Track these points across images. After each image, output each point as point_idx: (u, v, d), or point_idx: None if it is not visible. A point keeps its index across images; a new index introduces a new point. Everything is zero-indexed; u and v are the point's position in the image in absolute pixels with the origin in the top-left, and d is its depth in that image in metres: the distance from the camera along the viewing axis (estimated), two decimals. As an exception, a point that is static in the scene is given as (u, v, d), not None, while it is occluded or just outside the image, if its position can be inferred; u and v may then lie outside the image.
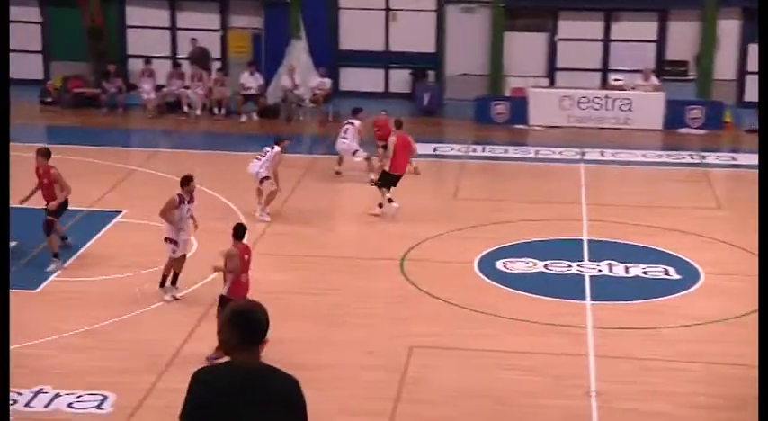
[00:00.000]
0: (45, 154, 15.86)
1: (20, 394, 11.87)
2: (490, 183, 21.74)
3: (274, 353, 12.98)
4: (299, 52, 26.73)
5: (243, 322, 5.49)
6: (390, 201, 18.34)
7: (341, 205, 20.08)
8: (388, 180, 18.43)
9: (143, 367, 12.68)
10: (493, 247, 16.91)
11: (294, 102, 25.66)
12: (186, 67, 26.04)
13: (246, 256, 12.97)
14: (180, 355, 13.08)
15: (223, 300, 12.70)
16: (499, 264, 16.25)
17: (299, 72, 26.09)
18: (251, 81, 25.66)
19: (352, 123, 20.57)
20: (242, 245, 13.00)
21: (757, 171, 11.68)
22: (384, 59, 27.67)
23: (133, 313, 14.15)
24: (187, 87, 25.50)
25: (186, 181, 14.63)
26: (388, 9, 27.42)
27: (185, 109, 25.23)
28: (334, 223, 18.40)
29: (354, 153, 20.36)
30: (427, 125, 25.77)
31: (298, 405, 5.56)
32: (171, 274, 14.61)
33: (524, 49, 27.27)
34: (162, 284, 14.58)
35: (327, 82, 25.84)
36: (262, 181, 17.98)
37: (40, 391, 11.96)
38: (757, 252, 11.76)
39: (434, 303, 14.90)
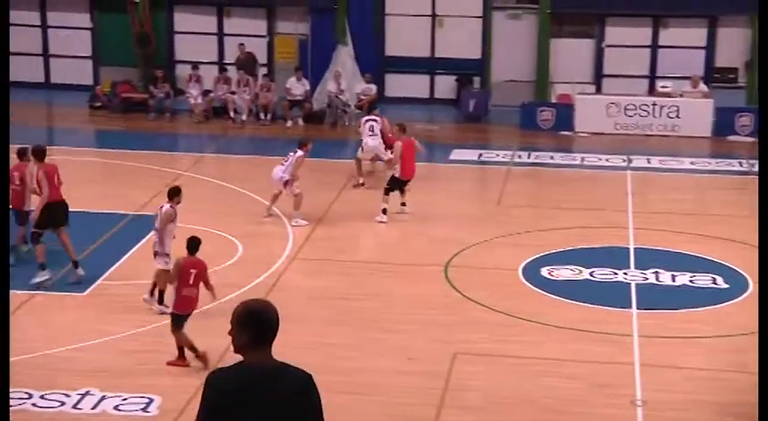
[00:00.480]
0: (37, 153, 15.21)
1: (67, 396, 12.02)
2: (535, 190, 21.65)
3: (318, 356, 13.11)
4: (344, 58, 26.81)
5: (254, 322, 5.51)
6: (403, 204, 18.60)
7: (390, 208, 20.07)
8: (397, 185, 18.46)
9: (188, 370, 12.77)
10: (538, 254, 16.84)
11: (339, 107, 25.73)
12: (233, 72, 26.21)
13: (193, 271, 12.66)
14: (224, 359, 13.16)
15: (172, 316, 12.86)
16: (544, 271, 16.17)
17: (345, 78, 26.16)
18: (297, 87, 25.74)
19: (376, 120, 20.56)
20: (191, 259, 12.77)
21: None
22: (429, 65, 27.67)
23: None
24: (233, 93, 25.68)
25: (175, 192, 14.43)
26: (434, 15, 27.42)
27: (232, 114, 25.40)
28: (379, 228, 18.40)
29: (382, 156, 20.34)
30: (472, 131, 25.74)
31: (311, 400, 5.53)
32: (165, 288, 14.14)
33: (571, 55, 27.14)
34: (160, 300, 14.24)
35: (373, 88, 25.89)
36: (285, 184, 17.97)
37: (87, 393, 12.09)
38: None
39: (478, 310, 14.87)
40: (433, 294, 15.43)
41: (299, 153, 18.07)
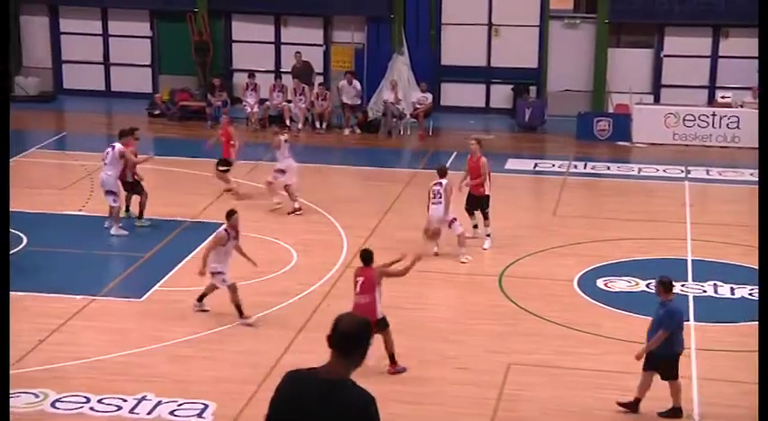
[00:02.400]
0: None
1: (124, 400, 12.14)
2: (591, 201, 21.49)
3: (372, 365, 13.08)
4: (400, 67, 26.84)
5: (332, 328, 5.60)
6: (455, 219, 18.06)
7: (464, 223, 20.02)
8: (481, 203, 18.04)
9: (243, 377, 12.84)
10: (593, 265, 16.70)
11: (395, 116, 25.76)
12: (289, 80, 26.35)
13: (360, 278, 12.82)
14: (279, 366, 13.21)
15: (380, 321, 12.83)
16: (600, 283, 16.03)
17: (401, 87, 26.19)
18: (349, 90, 25.70)
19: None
20: (360, 268, 12.96)
21: None
22: (485, 75, 27.61)
23: (234, 324, 14.34)
24: (289, 101, 25.81)
25: (230, 215, 14.28)
26: (490, 24, 27.36)
27: (287, 122, 25.53)
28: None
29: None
30: (528, 141, 25.63)
31: None
32: (238, 301, 14.10)
33: (629, 65, 26.92)
34: (241, 314, 14.17)
35: (428, 97, 25.89)
36: (451, 224, 17.09)
37: (143, 398, 12.20)
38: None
39: (533, 320, 14.78)
40: (487, 304, 15.37)
41: (445, 182, 17.01)
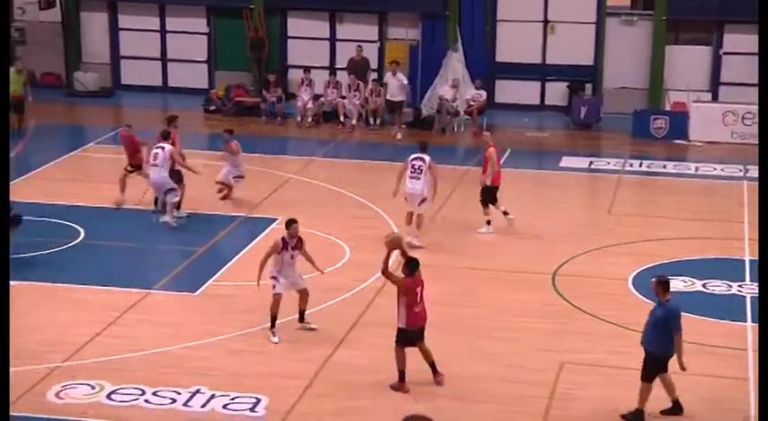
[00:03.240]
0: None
1: (178, 393, 12.27)
2: (647, 199, 21.28)
3: (423, 363, 13.08)
4: (455, 64, 26.78)
5: None
6: (506, 213, 18.15)
7: (494, 217, 19.95)
8: (491, 194, 18.13)
9: (295, 372, 12.92)
10: (648, 264, 16.54)
11: (449, 113, 25.71)
12: (343, 77, 26.40)
13: (419, 289, 12.41)
14: (331, 361, 13.28)
15: (399, 332, 12.47)
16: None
17: (457, 83, 26.12)
18: (393, 82, 25.08)
19: None
20: (415, 279, 12.41)
21: None
22: (541, 72, 27.44)
23: (286, 318, 14.41)
24: (344, 97, 25.87)
25: (288, 224, 13.87)
26: (546, 21, 27.19)
27: (342, 118, 25.58)
28: (486, 235, 18.30)
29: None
30: (583, 139, 25.44)
31: None
32: (277, 315, 13.79)
33: (686, 62, 26.60)
34: (272, 326, 13.82)
35: (482, 94, 25.80)
36: (421, 202, 17.35)
37: (197, 392, 12.32)
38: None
39: (587, 319, 14.69)
40: (540, 302, 15.30)
41: (428, 159, 17.25)
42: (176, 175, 18.35)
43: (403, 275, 12.49)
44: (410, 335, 12.42)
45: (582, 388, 12.65)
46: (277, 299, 13.74)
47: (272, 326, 13.82)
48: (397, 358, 12.43)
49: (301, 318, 14.14)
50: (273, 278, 13.80)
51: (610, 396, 12.37)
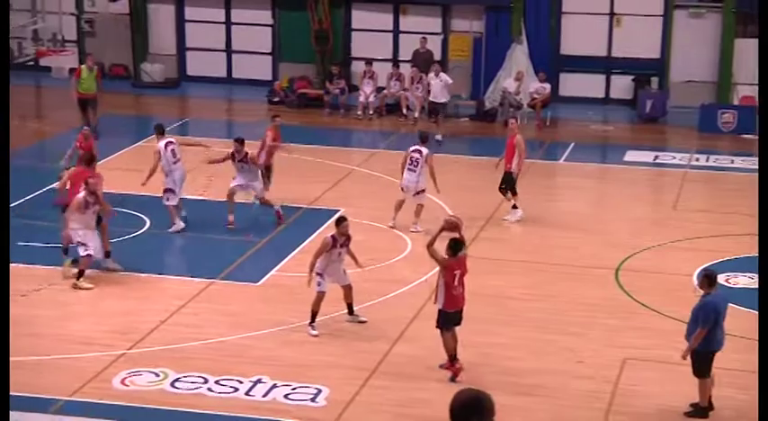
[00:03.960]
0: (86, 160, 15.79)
1: (240, 382, 12.39)
2: (713, 195, 20.98)
3: (486, 356, 13.07)
4: (519, 56, 26.63)
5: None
6: (515, 207, 18.18)
7: (556, 211, 19.85)
8: (512, 182, 18.23)
9: (356, 363, 12.96)
10: (714, 260, 16.31)
11: (512, 106, 25.57)
12: (406, 69, 26.38)
13: (457, 272, 12.39)
14: (391, 353, 13.31)
15: (440, 314, 12.52)
16: (721, 278, 15.61)
17: (521, 76, 25.98)
18: (437, 83, 23.91)
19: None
20: (456, 260, 12.38)
21: None
22: (606, 65, 27.17)
23: (345, 311, 14.47)
24: (406, 90, 25.85)
25: (338, 222, 13.94)
26: (612, 14, 26.91)
27: (404, 111, 25.57)
28: (549, 229, 18.20)
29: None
30: (649, 133, 25.16)
31: None
32: (318, 311, 13.74)
33: (756, 55, 26.12)
34: (312, 321, 13.76)
35: (546, 87, 25.61)
36: (417, 193, 17.38)
37: (258, 381, 12.43)
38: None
39: (650, 315, 14.54)
40: (603, 297, 15.18)
41: (426, 152, 17.20)
42: (265, 170, 18.52)
43: (446, 256, 12.45)
44: (451, 317, 12.42)
45: (645, 384, 12.53)
46: (320, 296, 13.66)
47: (313, 320, 13.72)
48: (444, 342, 12.43)
49: (350, 312, 14.14)
50: (318, 275, 13.70)
51: (672, 392, 12.24)
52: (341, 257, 13.87)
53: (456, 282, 12.37)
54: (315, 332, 13.69)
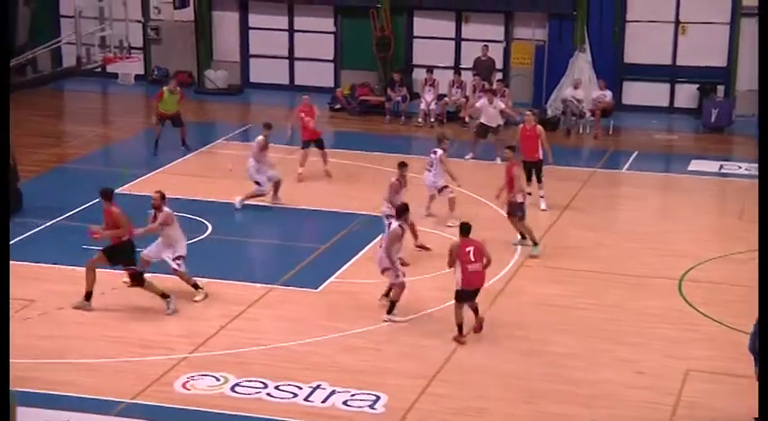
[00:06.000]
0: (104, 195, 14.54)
1: (300, 388, 12.45)
2: (780, 205, 20.60)
3: (545, 365, 13.00)
4: (582, 64, 26.45)
5: None
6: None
7: (620, 220, 19.68)
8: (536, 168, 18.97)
9: (415, 371, 12.96)
10: (780, 272, 16.02)
11: (574, 114, 25.40)
12: (468, 77, 26.33)
13: (470, 248, 13.50)
14: (450, 361, 13.28)
15: (457, 293, 13.70)
16: (786, 291, 15.37)
17: (582, 84, 25.80)
18: (490, 110, 22.76)
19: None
20: (465, 240, 13.62)
21: None
22: (670, 73, 26.87)
23: (408, 317, 14.48)
24: (467, 97, 25.79)
25: (404, 210, 14.57)
26: (677, 22, 26.61)
27: (466, 119, 25.51)
28: (611, 237, 18.04)
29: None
30: (714, 142, 24.82)
31: None
32: (399, 300, 14.37)
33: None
34: (391, 310, 14.34)
35: (608, 95, 25.39)
36: (440, 190, 18.19)
37: (318, 387, 12.48)
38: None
39: (714, 326, 14.34)
40: (665, 308, 15.01)
41: (439, 152, 18.14)
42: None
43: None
44: (466, 294, 13.67)
45: (707, 396, 12.37)
46: (403, 285, 14.26)
47: (391, 310, 14.34)
48: (455, 314, 13.69)
49: (388, 294, 14.67)
50: (393, 269, 14.23)
51: (736, 405, 12.06)
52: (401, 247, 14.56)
53: (473, 258, 13.48)
54: (401, 318, 14.31)
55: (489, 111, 22.89)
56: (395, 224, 14.51)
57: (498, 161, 22.42)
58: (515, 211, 16.91)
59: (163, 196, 14.74)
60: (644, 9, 26.64)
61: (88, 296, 14.52)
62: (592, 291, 15.60)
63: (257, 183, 18.81)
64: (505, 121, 25.14)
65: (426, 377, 12.79)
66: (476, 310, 13.88)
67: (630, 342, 13.86)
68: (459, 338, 13.69)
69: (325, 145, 21.14)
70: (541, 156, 19.11)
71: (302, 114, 21.19)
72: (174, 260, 14.80)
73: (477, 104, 23.41)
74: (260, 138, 19.11)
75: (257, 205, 19.14)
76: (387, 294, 14.71)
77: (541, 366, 12.97)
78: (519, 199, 16.84)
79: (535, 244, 16.91)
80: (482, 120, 23.08)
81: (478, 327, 13.92)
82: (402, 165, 16.91)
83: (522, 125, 19.72)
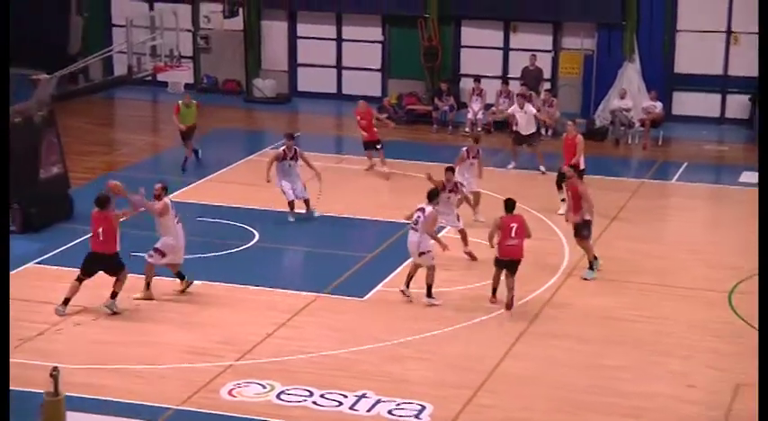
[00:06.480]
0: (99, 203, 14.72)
1: (345, 396, 12.45)
2: (833, 218, 20.28)
3: (593, 377, 12.90)
4: (631, 74, 26.26)
5: None
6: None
7: (669, 232, 19.49)
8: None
9: (461, 380, 12.91)
10: (833, 286, 15.76)
11: (623, 124, 25.22)
12: (516, 87, 26.22)
13: (513, 225, 14.81)
14: (497, 372, 13.22)
15: (495, 259, 15.04)
16: (840, 305, 15.12)
17: (630, 94, 25.61)
18: (522, 115, 22.64)
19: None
20: (509, 216, 14.95)
21: None
22: (721, 83, 26.59)
23: (453, 327, 14.45)
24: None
25: (435, 194, 15.64)
26: (729, 31, 26.33)
27: (514, 128, 25.38)
28: (660, 249, 17.87)
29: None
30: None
31: None
32: (433, 282, 15.21)
33: None
34: (429, 293, 15.18)
35: (658, 105, 25.18)
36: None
37: (363, 396, 12.47)
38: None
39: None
40: (715, 321, 14.83)
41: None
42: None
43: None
44: (501, 263, 14.98)
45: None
46: (434, 267, 15.16)
47: (429, 294, 15.15)
48: (493, 278, 15.15)
49: (429, 293, 15.25)
50: (429, 253, 15.13)
51: (788, 421, 11.85)
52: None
53: (513, 234, 14.80)
54: (438, 301, 15.13)
55: (521, 116, 22.67)
56: (429, 208, 15.22)
57: (542, 169, 22.26)
58: (581, 231, 16.36)
59: (165, 188, 15.35)
60: (695, 18, 26.39)
61: (114, 295, 14.81)
62: (641, 303, 15.45)
63: (283, 191, 18.71)
64: (552, 131, 25.12)
65: (472, 387, 12.73)
66: (511, 289, 14.85)
67: (680, 354, 13.71)
68: (492, 299, 15.07)
69: (383, 147, 21.49)
70: (582, 166, 19.07)
71: (358, 117, 21.78)
72: (153, 249, 15.15)
73: (510, 110, 23.27)
74: (280, 149, 19.00)
75: (304, 214, 19.18)
76: (408, 284, 15.30)
77: (589, 378, 12.86)
78: (587, 217, 16.32)
79: (591, 268, 16.40)
80: (515, 128, 22.89)
81: (509, 305, 14.87)
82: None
83: (564, 134, 20.01)
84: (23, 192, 17.93)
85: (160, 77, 23.39)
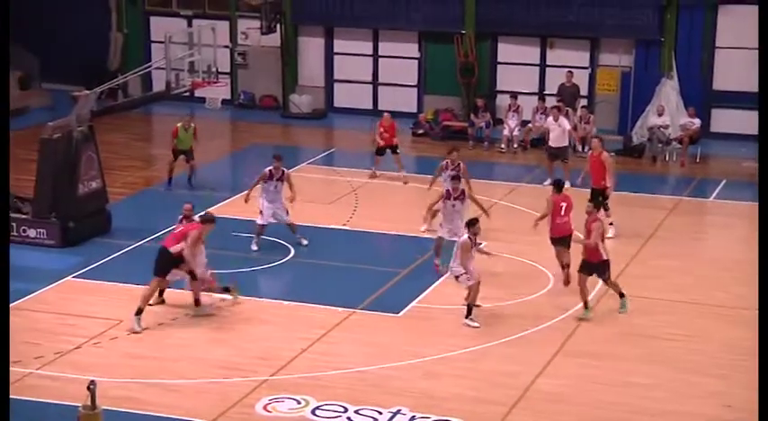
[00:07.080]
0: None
1: (380, 413, 12.46)
2: None
3: (626, 395, 12.82)
4: (668, 91, 26.12)
5: None
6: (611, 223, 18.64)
7: (705, 250, 19.33)
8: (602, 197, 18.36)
9: (495, 398, 12.88)
10: None
11: (661, 141, 25.09)
12: (552, 103, 26.15)
13: (563, 204, 16.10)
14: (531, 390, 13.17)
15: (551, 239, 16.19)
16: None
17: (668, 111, 25.49)
18: (555, 128, 22.40)
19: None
20: (559, 195, 16.20)
21: None
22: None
23: (488, 343, 14.42)
24: (554, 123, 25.56)
25: (473, 223, 15.20)
26: None
27: (547, 142, 25.30)
28: (698, 266, 17.74)
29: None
30: (805, 170, 24.24)
31: None
32: (475, 301, 15.17)
33: None
34: (468, 314, 15.05)
35: (695, 122, 25.02)
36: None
37: (398, 412, 12.47)
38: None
39: (803, 361, 13.96)
40: (752, 339, 14.62)
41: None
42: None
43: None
44: (557, 241, 16.12)
45: (796, 432, 12.02)
46: (476, 287, 15.02)
47: (469, 313, 15.03)
48: (556, 255, 16.38)
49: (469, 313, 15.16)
50: (464, 274, 15.01)
51: (827, 443, 11.70)
52: (474, 255, 15.25)
53: (563, 213, 16.01)
54: (475, 324, 14.96)
55: (554, 128, 22.50)
56: (465, 236, 15.16)
57: (567, 184, 21.81)
58: (602, 274, 15.55)
59: (193, 207, 15.98)
60: (734, 35, 26.22)
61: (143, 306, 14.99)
62: (677, 321, 15.35)
63: (261, 212, 18.17)
64: (589, 148, 25.00)
65: (506, 405, 12.69)
66: (566, 266, 16.03)
67: (716, 374, 13.60)
68: (563, 273, 16.20)
69: (399, 151, 22.05)
70: (608, 184, 18.65)
71: (381, 130, 22.46)
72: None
73: (544, 124, 23.24)
74: (267, 170, 18.37)
75: (339, 229, 19.24)
76: (469, 313, 15.13)
77: (624, 397, 12.79)
78: (603, 257, 15.46)
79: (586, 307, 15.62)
80: (549, 143, 22.78)
81: (566, 281, 16.07)
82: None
83: (589, 152, 19.92)
84: (62, 206, 18.14)
85: (198, 93, 23.58)
